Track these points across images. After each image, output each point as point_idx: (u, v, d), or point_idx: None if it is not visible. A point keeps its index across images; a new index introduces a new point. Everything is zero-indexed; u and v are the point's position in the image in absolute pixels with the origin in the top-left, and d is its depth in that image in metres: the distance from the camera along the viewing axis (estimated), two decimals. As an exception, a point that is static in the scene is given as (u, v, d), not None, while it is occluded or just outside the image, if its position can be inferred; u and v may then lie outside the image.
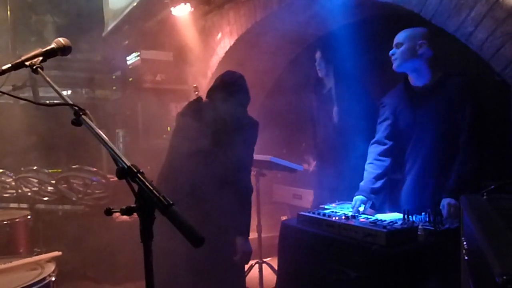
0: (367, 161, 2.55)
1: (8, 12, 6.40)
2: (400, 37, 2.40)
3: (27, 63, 1.35)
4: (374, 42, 3.30)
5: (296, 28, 4.22)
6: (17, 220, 3.03)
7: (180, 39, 4.96)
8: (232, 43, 4.55)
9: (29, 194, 3.88)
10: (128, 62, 5.50)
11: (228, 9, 4.60)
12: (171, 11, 4.51)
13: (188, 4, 4.41)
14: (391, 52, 2.42)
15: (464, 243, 1.41)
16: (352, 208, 2.38)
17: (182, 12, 4.50)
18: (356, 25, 3.58)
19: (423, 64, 2.35)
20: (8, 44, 6.48)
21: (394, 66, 2.41)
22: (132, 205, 1.01)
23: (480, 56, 2.33)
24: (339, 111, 2.98)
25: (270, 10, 3.96)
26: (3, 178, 4.03)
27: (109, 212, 1.05)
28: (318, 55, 3.11)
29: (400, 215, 2.24)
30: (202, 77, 5.06)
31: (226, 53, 4.68)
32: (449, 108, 2.27)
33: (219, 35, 4.78)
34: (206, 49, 5.01)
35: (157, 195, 0.97)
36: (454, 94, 2.26)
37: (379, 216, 2.27)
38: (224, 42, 4.71)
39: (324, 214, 2.29)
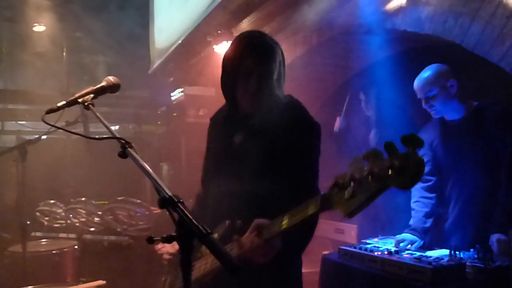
0: (413, 199, 2.47)
1: (64, 54, 6.90)
2: (425, 87, 2.33)
3: (79, 100, 1.45)
4: (414, 74, 3.27)
5: (335, 62, 4.25)
6: (65, 250, 3.16)
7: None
8: (272, 77, 4.64)
9: (77, 224, 4.02)
10: (173, 98, 5.71)
11: (268, 45, 4.72)
12: (213, 49, 4.68)
13: (230, 42, 4.56)
14: (426, 106, 2.37)
15: (516, 281, 1.33)
16: (400, 247, 2.28)
17: (224, 49, 4.65)
18: (396, 58, 3.56)
19: (456, 100, 2.32)
20: (64, 82, 6.95)
21: (436, 116, 2.39)
22: (173, 234, 1.04)
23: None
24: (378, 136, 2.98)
25: (309, 45, 4.03)
26: (54, 209, 4.21)
27: (150, 240, 1.08)
28: (362, 97, 3.15)
29: (446, 251, 2.13)
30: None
31: (267, 87, 4.76)
32: (488, 139, 2.20)
33: (260, 71, 4.89)
34: (247, 84, 5.12)
35: (196, 224, 1.00)
36: (492, 124, 2.19)
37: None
38: (264, 77, 4.81)
39: (366, 249, 2.23)
